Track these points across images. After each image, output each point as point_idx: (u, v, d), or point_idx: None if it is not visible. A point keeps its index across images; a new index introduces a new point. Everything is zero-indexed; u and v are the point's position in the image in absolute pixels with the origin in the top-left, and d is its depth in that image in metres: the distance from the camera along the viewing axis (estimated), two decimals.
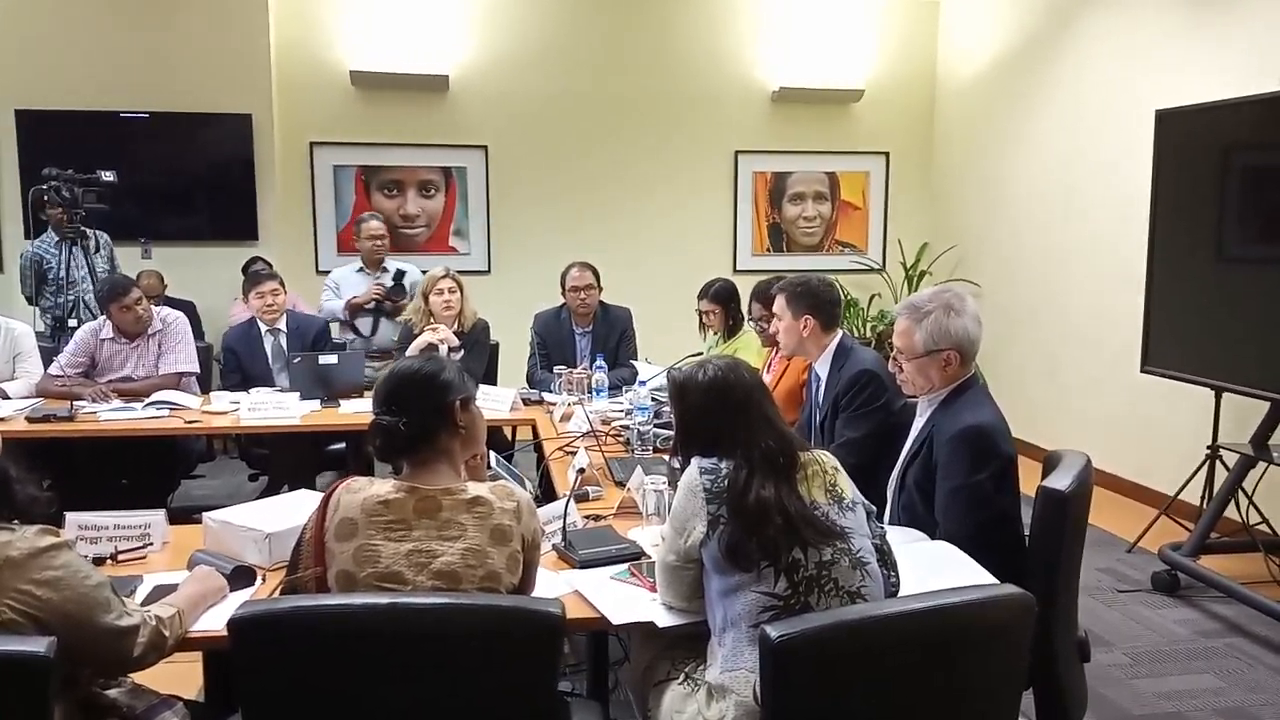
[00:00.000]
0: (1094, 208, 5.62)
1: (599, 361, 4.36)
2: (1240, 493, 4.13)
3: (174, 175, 6.34)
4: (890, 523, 2.51)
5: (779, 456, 1.86)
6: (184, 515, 4.70)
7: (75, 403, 4.03)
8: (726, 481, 1.83)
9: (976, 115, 6.89)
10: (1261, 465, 4.03)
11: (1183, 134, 4.26)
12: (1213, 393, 4.30)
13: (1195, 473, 4.44)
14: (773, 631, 1.46)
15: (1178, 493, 4.53)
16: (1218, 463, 4.35)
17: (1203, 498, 4.40)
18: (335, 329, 5.29)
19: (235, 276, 5.83)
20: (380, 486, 1.74)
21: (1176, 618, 3.82)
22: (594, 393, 4.18)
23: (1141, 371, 4.51)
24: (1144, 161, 4.53)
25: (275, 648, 1.47)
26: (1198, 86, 4.59)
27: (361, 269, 5.46)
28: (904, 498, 2.50)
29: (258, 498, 4.83)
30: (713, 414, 1.93)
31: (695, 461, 1.89)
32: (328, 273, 6.71)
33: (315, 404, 4.18)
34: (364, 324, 5.31)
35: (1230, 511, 4.17)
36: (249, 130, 6.36)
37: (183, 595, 1.91)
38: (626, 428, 3.49)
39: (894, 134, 7.39)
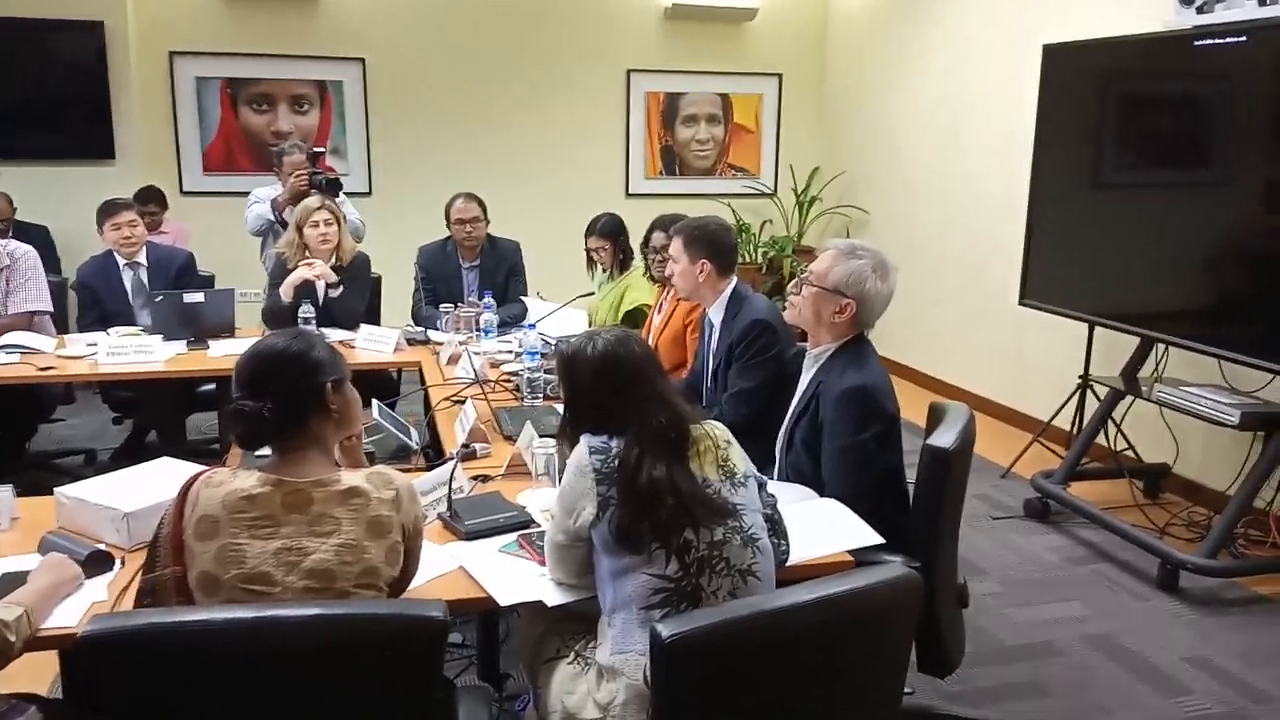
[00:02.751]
0: (979, 140, 5.66)
1: (487, 299, 4.21)
2: (1110, 422, 4.31)
3: (20, 88, 5.82)
4: (779, 479, 2.51)
5: (670, 433, 1.80)
6: (43, 461, 4.49)
7: None
8: (617, 461, 1.77)
9: (867, 40, 6.82)
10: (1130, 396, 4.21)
11: (1068, 69, 4.30)
12: (1086, 326, 4.45)
13: (1065, 403, 4.61)
14: (664, 630, 1.43)
15: (1050, 420, 4.72)
16: (1089, 393, 4.53)
17: (1072, 424, 4.59)
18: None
19: (91, 199, 5.42)
20: (244, 480, 1.60)
21: (1047, 544, 4.00)
22: (482, 332, 4.05)
23: (1019, 304, 4.63)
24: (1029, 95, 4.56)
25: (129, 667, 1.35)
26: (1084, 23, 4.62)
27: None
28: (792, 455, 2.50)
29: (124, 442, 4.62)
30: (603, 390, 1.85)
31: (584, 440, 1.81)
32: (192, 194, 6.37)
33: (181, 345, 3.94)
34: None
35: (1101, 439, 4.36)
36: (102, 38, 5.85)
37: (31, 591, 1.76)
38: (516, 373, 3.38)
39: (787, 56, 7.28)
